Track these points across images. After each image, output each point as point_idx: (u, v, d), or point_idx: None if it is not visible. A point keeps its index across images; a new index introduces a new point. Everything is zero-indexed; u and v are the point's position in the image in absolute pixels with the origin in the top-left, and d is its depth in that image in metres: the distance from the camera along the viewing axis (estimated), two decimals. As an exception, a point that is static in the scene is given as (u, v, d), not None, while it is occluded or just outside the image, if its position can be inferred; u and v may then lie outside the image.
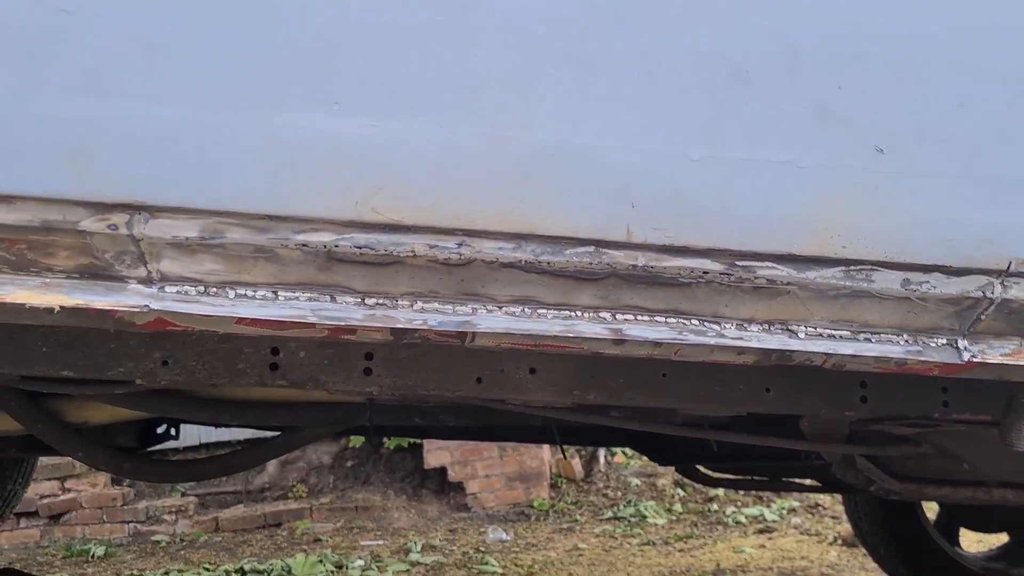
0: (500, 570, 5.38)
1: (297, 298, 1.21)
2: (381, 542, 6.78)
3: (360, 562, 5.72)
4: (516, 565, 5.67)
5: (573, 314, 1.26)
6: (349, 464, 8.11)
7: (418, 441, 7.77)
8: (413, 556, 6.04)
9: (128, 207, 1.11)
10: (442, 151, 1.15)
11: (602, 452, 8.43)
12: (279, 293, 1.21)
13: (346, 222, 1.15)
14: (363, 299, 1.22)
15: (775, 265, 1.24)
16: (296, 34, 1.13)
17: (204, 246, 1.14)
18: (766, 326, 1.30)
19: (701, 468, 3.40)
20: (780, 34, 1.22)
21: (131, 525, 7.50)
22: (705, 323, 1.28)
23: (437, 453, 7.73)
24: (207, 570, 5.62)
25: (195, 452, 7.64)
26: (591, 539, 6.63)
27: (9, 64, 1.09)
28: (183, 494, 7.80)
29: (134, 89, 1.10)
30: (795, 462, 2.77)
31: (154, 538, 7.28)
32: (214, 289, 1.19)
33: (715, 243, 1.21)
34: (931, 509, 4.07)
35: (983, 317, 1.35)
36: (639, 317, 1.27)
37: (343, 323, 1.21)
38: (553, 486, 7.99)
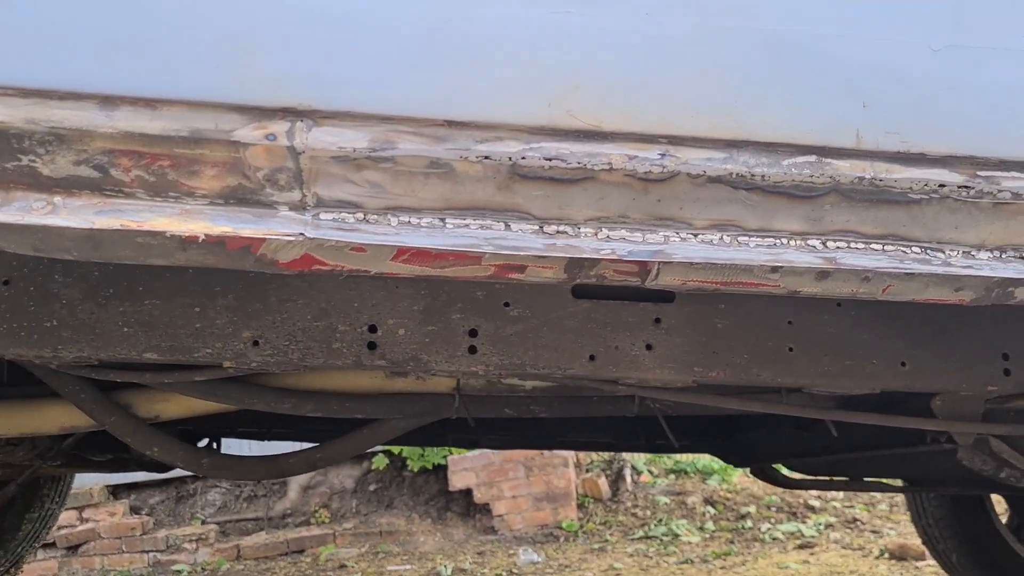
0: (539, 591, 5.21)
1: (467, 225, 1.04)
2: (409, 567, 6.61)
3: (391, 587, 5.54)
4: (553, 586, 5.52)
5: (778, 241, 1.09)
6: (372, 488, 7.92)
7: (443, 463, 7.61)
8: (444, 581, 5.89)
9: (290, 112, 0.94)
10: (648, 43, 0.98)
11: (628, 471, 8.28)
12: (447, 220, 1.04)
13: (536, 128, 0.98)
14: (541, 226, 1.05)
15: (1023, 175, 1.07)
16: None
17: (372, 160, 0.97)
18: (997, 253, 1.13)
19: (779, 468, 3.22)
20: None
21: (151, 555, 7.32)
22: (928, 251, 1.12)
23: (462, 475, 7.57)
24: (233, 598, 5.44)
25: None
26: (625, 559, 6.47)
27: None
28: (203, 522, 7.61)
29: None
30: (883, 451, 2.60)
31: (175, 568, 7.11)
32: (374, 216, 1.02)
33: (955, 149, 1.04)
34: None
35: None
36: (853, 244, 1.10)
37: (521, 253, 1.03)
38: (580, 506, 7.82)
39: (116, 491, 7.56)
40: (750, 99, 1.00)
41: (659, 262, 1.06)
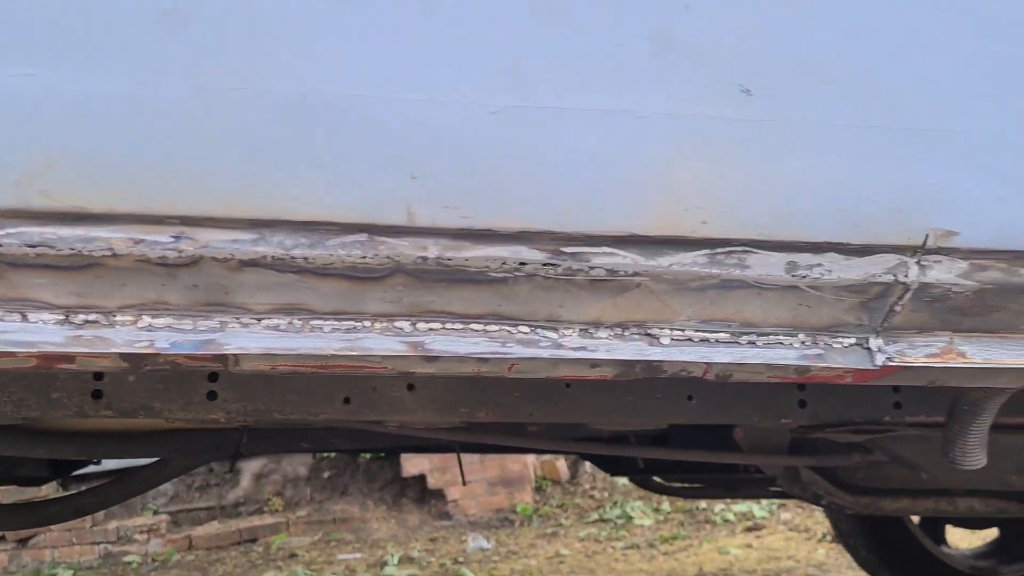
0: (476, 581, 5.15)
1: (-32, 318, 0.89)
2: (359, 555, 6.55)
3: (334, 577, 5.49)
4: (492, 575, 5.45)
5: (359, 325, 0.94)
6: (326, 475, 7.83)
7: (395, 448, 7.52)
8: (389, 569, 5.83)
9: None
10: (138, 108, 0.83)
11: (589, 452, 8.17)
12: (-56, 313, 0.89)
13: (8, 211, 0.83)
14: (67, 316, 0.90)
15: (615, 250, 0.90)
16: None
17: None
18: (618, 330, 0.97)
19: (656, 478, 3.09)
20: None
21: (101, 546, 7.24)
22: (538, 330, 0.96)
23: (415, 460, 7.49)
24: (176, 591, 5.40)
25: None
26: (575, 544, 6.39)
27: None
28: (155, 512, 7.53)
29: None
30: (755, 473, 2.47)
31: (126, 559, 7.05)
32: None
33: (531, 224, 0.88)
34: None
35: (898, 308, 1.02)
36: (448, 325, 0.95)
37: (28, 351, 0.88)
38: (538, 489, 7.75)
39: (65, 483, 7.47)
40: (273, 173, 0.84)
41: (219, 354, 0.91)
